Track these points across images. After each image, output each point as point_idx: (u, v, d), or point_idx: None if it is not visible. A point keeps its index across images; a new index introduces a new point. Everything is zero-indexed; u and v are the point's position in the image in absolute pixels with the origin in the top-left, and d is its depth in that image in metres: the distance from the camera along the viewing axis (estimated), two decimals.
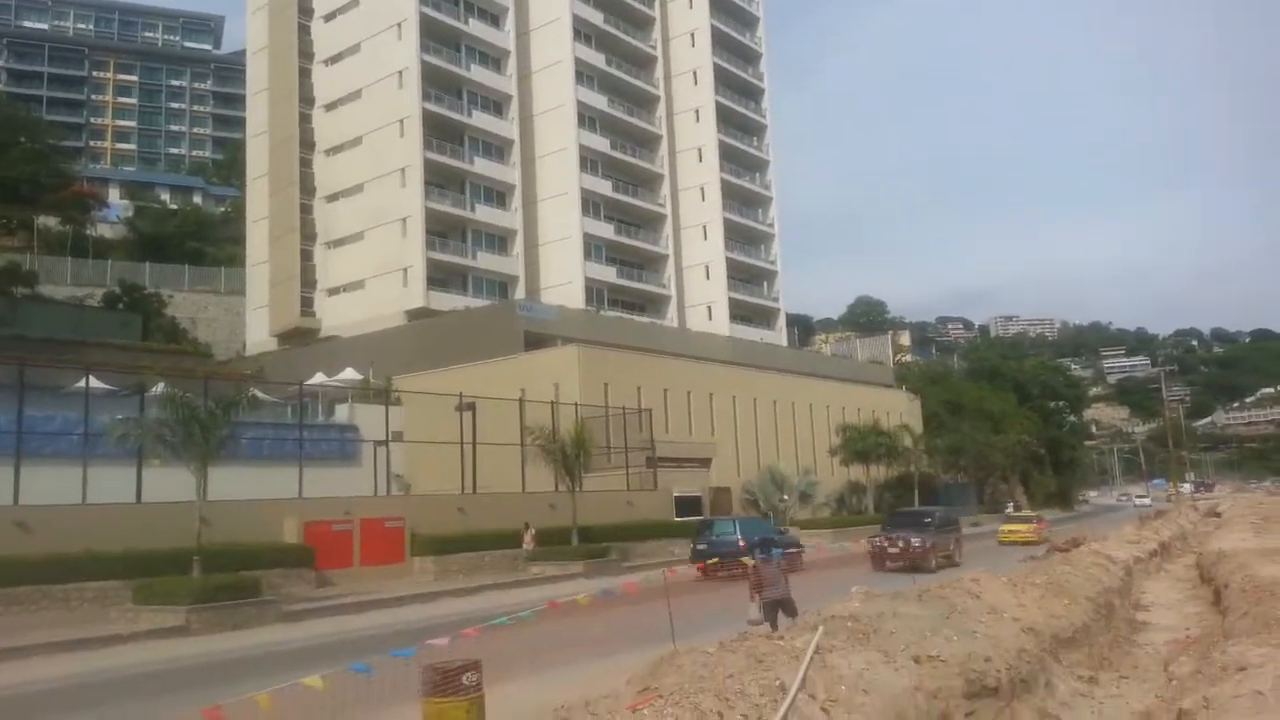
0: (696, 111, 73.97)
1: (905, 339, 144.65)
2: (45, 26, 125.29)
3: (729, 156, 74.99)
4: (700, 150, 73.52)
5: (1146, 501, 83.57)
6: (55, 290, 64.91)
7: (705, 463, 46.00)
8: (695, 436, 47.04)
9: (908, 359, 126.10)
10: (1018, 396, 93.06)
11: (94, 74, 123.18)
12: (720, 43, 75.93)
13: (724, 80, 75.79)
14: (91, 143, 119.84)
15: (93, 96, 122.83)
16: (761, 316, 76.80)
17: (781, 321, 78.82)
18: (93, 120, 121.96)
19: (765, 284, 78.05)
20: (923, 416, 69.05)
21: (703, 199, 72.91)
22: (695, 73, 74.48)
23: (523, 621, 10.92)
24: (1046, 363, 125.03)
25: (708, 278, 71.63)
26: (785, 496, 46.73)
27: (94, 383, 30.02)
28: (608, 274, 65.10)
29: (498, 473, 35.37)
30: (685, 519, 39.44)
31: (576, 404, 38.05)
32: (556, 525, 33.19)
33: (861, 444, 51.61)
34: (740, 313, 73.05)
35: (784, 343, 77.60)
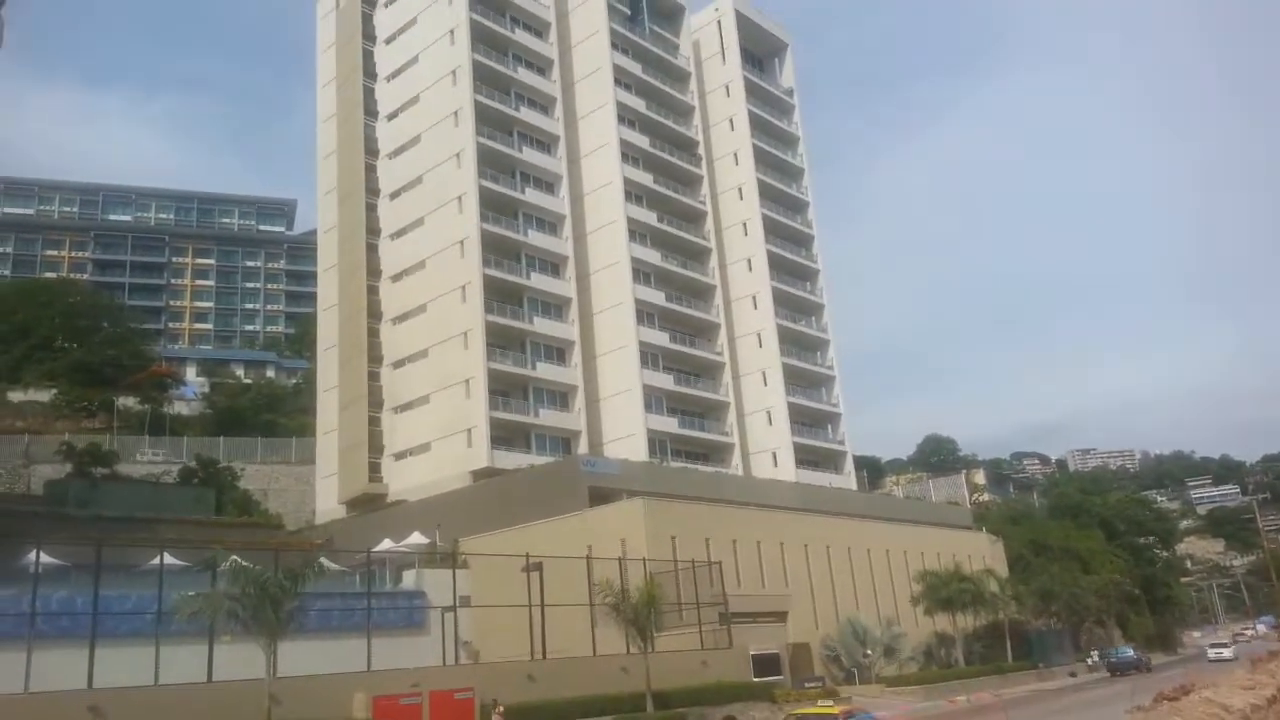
0: (748, 261, 75.41)
1: (980, 477, 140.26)
2: (129, 218, 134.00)
3: (783, 302, 75.80)
4: (754, 298, 74.48)
5: (1227, 653, 63.52)
6: (133, 468, 66.74)
7: (781, 616, 44.21)
8: (768, 589, 45.44)
9: (985, 498, 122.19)
10: (1104, 533, 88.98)
11: (173, 259, 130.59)
12: (767, 194, 78.10)
13: (773, 230, 77.51)
14: (170, 324, 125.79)
15: (172, 280, 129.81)
16: (828, 460, 75.59)
17: (849, 464, 77.41)
18: (172, 303, 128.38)
19: (829, 427, 77.19)
20: (1007, 559, 66.11)
21: (759, 345, 73.34)
22: (745, 224, 76.38)
23: None
24: (1131, 496, 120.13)
25: (770, 423, 71.14)
26: (869, 651, 44.40)
27: (168, 559, 30.25)
28: (669, 425, 65.02)
29: (567, 634, 34.38)
30: (764, 679, 37.59)
31: (644, 559, 37.26)
32: (629, 691, 31.86)
33: (944, 591, 49.31)
34: (806, 458, 72.00)
35: (853, 486, 75.98)
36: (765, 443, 70.72)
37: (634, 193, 69.47)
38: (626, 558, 37.26)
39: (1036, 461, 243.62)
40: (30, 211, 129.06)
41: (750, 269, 75.28)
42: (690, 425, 66.99)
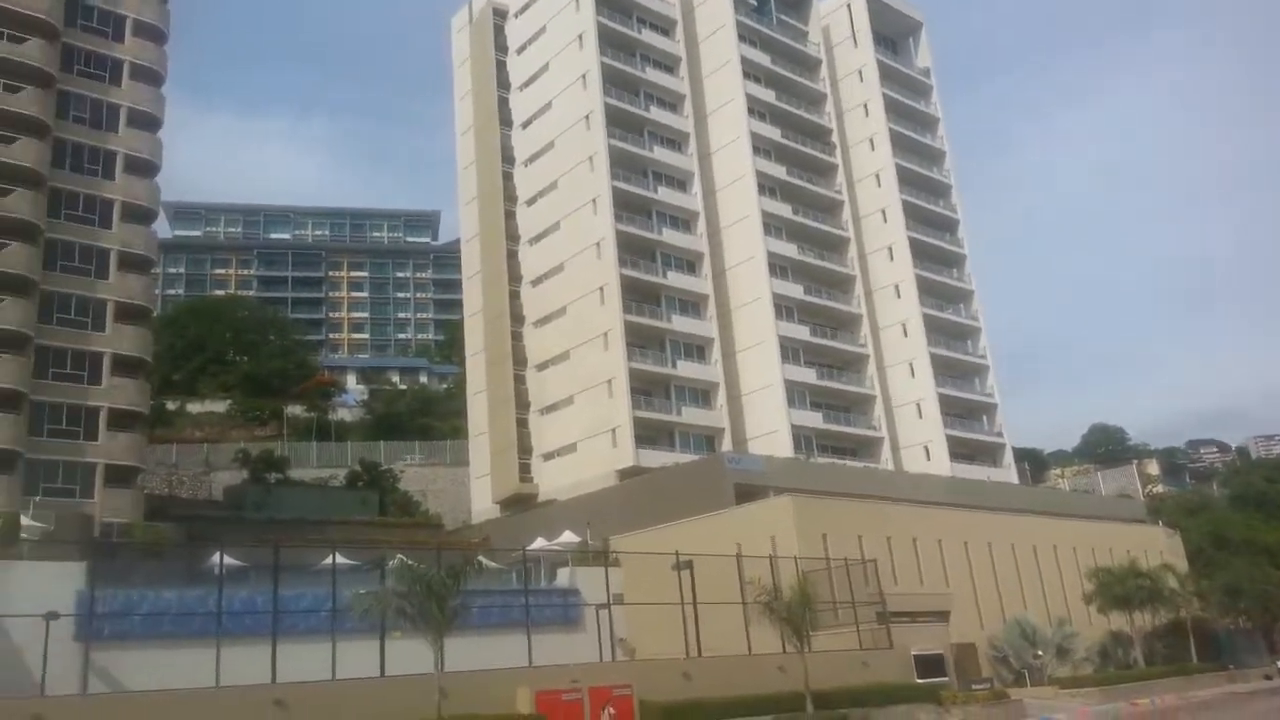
0: (889, 249, 73.32)
1: (1153, 468, 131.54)
2: (289, 236, 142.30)
3: (928, 290, 73.30)
4: (897, 287, 72.33)
5: None
6: (303, 473, 70.62)
7: (943, 616, 42.59)
8: (927, 587, 43.90)
9: (1159, 490, 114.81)
10: None
11: (330, 273, 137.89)
12: (907, 180, 75.69)
13: (915, 216, 75.09)
14: (330, 335, 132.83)
15: (330, 293, 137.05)
16: (985, 453, 72.63)
17: (1008, 457, 74.11)
18: (330, 314, 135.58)
19: (985, 418, 74.20)
20: (1186, 553, 61.84)
21: (905, 335, 71.16)
22: (884, 211, 74.26)
23: None
24: None
25: (920, 416, 68.89)
26: (1040, 652, 42.25)
27: (339, 559, 31.69)
28: (813, 420, 63.88)
29: (719, 632, 34.10)
30: (928, 680, 36.31)
31: (796, 557, 36.54)
32: (787, 691, 31.31)
33: (1119, 588, 46.43)
34: (961, 451, 69.35)
35: (1014, 480, 72.74)
36: (916, 436, 68.57)
37: (767, 185, 68.62)
38: (777, 555, 36.69)
39: (1215, 449, 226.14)
40: (199, 233, 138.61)
41: (891, 257, 73.14)
42: (835, 420, 65.64)
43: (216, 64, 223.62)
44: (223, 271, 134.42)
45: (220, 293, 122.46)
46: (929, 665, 37.33)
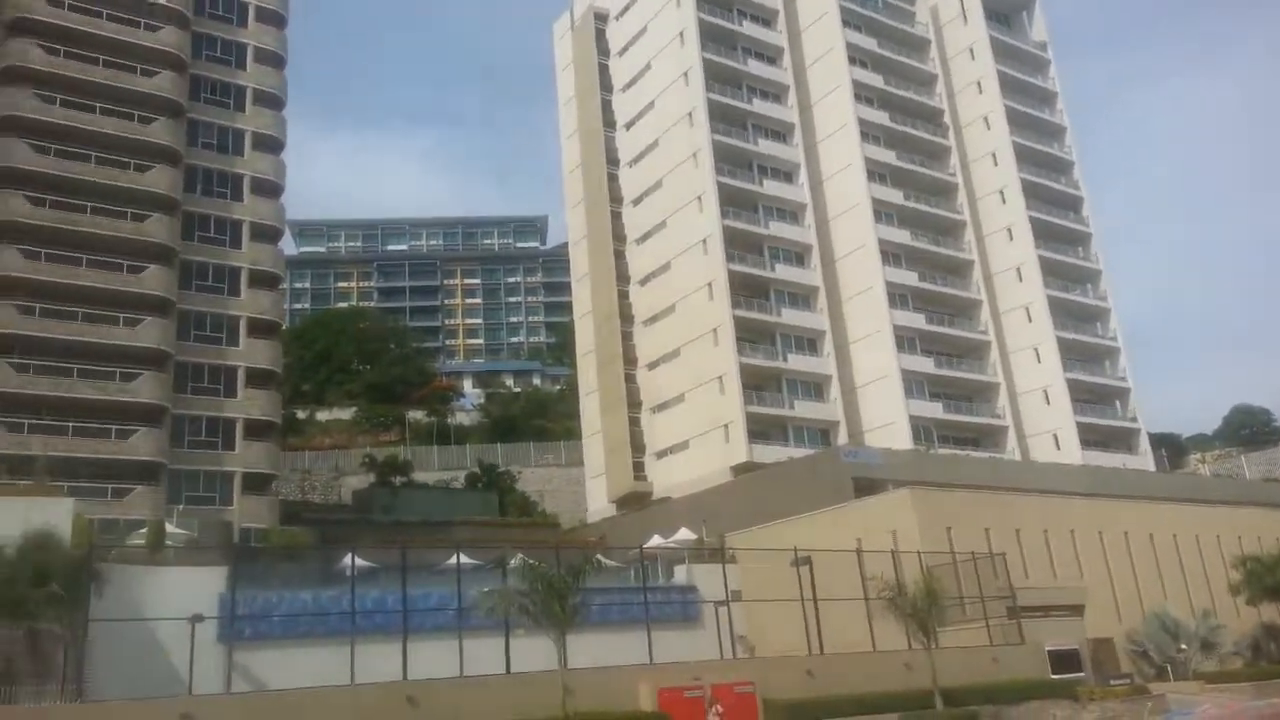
0: (1009, 230, 70.67)
1: None
2: (405, 247, 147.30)
3: (1051, 271, 70.27)
4: (1018, 269, 69.64)
5: None
6: (425, 476, 72.83)
7: (1077, 610, 40.76)
8: (1060, 580, 42.09)
9: None
10: None
11: (445, 281, 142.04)
12: (1025, 158, 72.73)
13: (1035, 195, 72.09)
14: (446, 341, 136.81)
15: (445, 301, 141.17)
16: (1118, 439, 69.23)
17: (1144, 443, 70.42)
18: (446, 321, 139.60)
19: (1117, 403, 70.74)
20: None
21: (1029, 320, 68.43)
22: (1002, 192, 71.58)
23: None
24: None
25: (1047, 403, 66.16)
26: (1184, 646, 40.02)
27: (462, 558, 32.51)
28: (933, 410, 62.13)
29: (840, 629, 33.53)
30: (1063, 676, 34.86)
31: (919, 552, 35.61)
32: (915, 688, 30.55)
33: (1271, 578, 43.49)
34: (1092, 438, 66.23)
35: (1151, 467, 69.13)
36: (1043, 424, 65.88)
37: (877, 172, 67.06)
38: (899, 550, 35.84)
39: None
40: (322, 249, 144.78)
41: (1011, 239, 70.46)
42: (956, 409, 63.70)
43: (330, 85, 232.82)
44: (345, 284, 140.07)
45: (343, 305, 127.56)
46: (1064, 661, 35.85)
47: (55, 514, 26.70)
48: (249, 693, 26.08)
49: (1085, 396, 67.93)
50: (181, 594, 28.71)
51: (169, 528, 37.35)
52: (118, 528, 41.10)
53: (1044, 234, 71.14)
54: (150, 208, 52.45)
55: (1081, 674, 35.60)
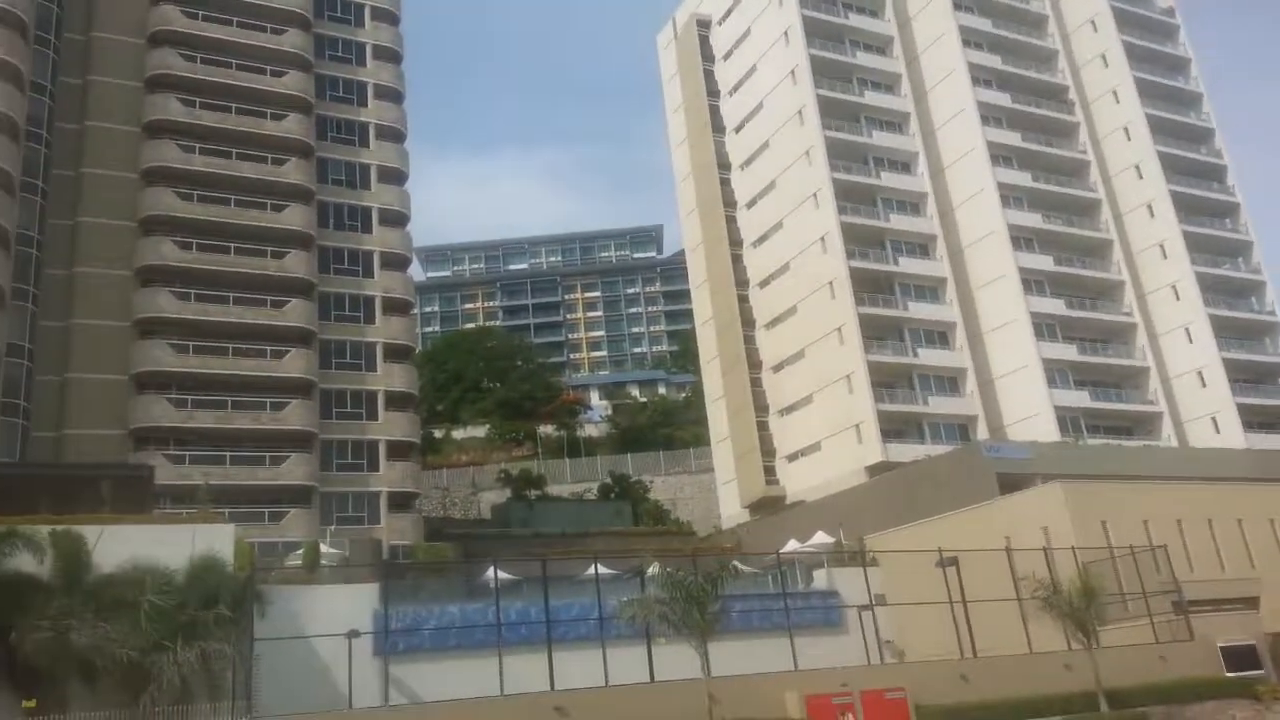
0: (1149, 206, 66.84)
1: None
2: (525, 265, 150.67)
3: (1197, 246, 66.01)
4: (1161, 246, 65.77)
5: None
6: (559, 489, 74.09)
7: (1251, 603, 38.10)
8: (1229, 573, 39.42)
9: None
10: None
11: (566, 296, 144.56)
12: (1159, 129, 68.73)
13: (1173, 167, 67.98)
14: (571, 355, 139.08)
15: (567, 315, 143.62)
16: None
17: None
18: (570, 336, 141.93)
19: None
20: None
21: (1176, 299, 64.48)
22: (1138, 167, 67.88)
23: None
24: None
25: (1203, 385, 62.10)
26: None
27: (601, 569, 32.82)
28: (1078, 399, 59.24)
29: (993, 631, 32.26)
30: (1240, 674, 32.59)
31: (1073, 548, 33.99)
32: (1077, 690, 29.12)
33: None
34: (1256, 419, 61.68)
35: None
36: (1200, 408, 61.86)
37: (1000, 155, 64.61)
38: (1052, 547, 34.29)
39: None
40: (448, 273, 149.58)
41: (1152, 215, 66.63)
42: (1104, 397, 60.57)
43: (442, 112, 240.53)
44: (470, 306, 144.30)
45: (470, 326, 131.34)
46: (1239, 658, 33.49)
47: (218, 539, 28.16)
48: (405, 705, 26.97)
49: (1245, 376, 63.51)
50: (337, 611, 29.89)
51: (323, 548, 39.03)
52: (276, 550, 43.22)
53: (1187, 207, 67.04)
54: (288, 245, 55.20)
55: (1261, 671, 33.25)
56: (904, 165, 64.99)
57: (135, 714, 18.44)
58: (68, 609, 22.25)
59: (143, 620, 18.80)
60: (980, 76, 66.14)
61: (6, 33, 47.85)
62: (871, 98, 65.55)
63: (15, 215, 47.16)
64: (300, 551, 38.38)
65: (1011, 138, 65.51)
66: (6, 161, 46.56)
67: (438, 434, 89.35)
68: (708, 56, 73.31)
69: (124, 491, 31.06)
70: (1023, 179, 64.51)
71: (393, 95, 62.90)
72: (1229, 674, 32.75)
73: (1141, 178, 67.43)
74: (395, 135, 62.28)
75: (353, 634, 27.56)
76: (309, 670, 28.24)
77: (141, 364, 50.51)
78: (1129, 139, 68.43)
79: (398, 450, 55.26)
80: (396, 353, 57.68)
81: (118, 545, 24.85)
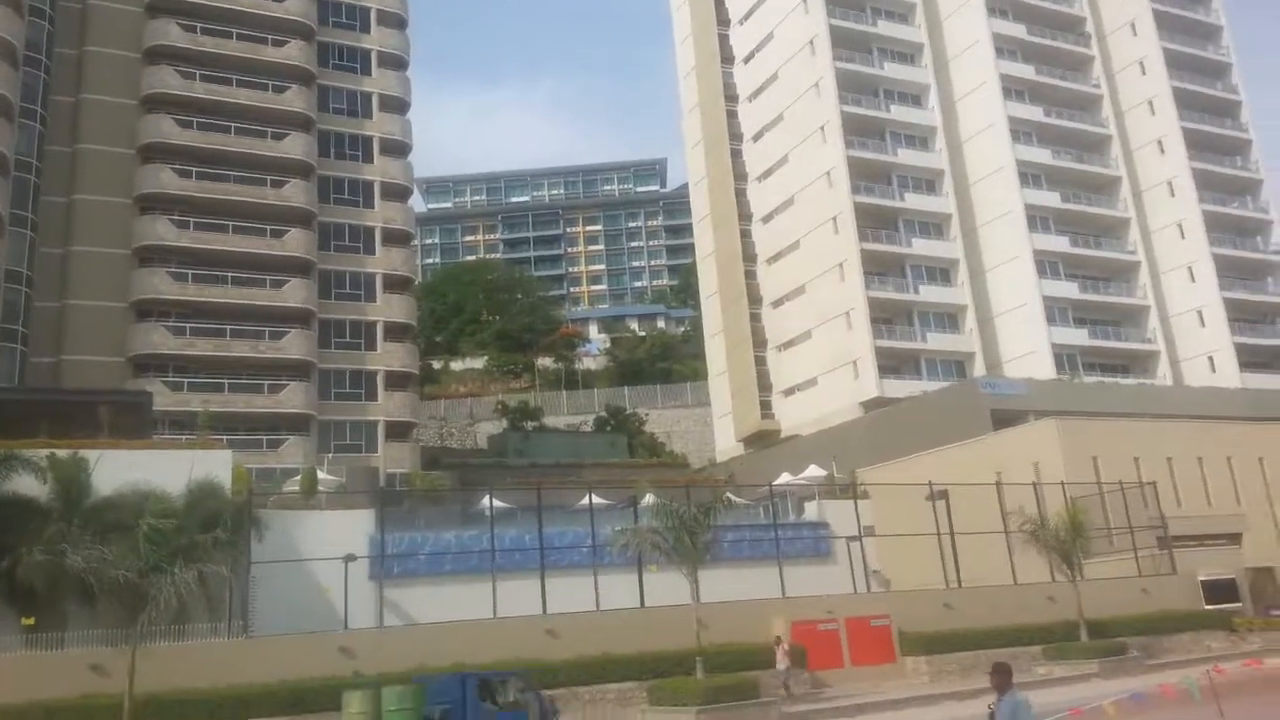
0: (1159, 143, 65.66)
1: None
2: (527, 198, 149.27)
3: (1206, 184, 65.16)
4: (1170, 184, 64.90)
5: None
6: (555, 420, 74.55)
7: (1234, 538, 38.71)
8: (1215, 509, 39.93)
9: None
10: None
11: (567, 229, 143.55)
12: (1175, 64, 67.14)
13: (1187, 103, 66.38)
14: (570, 289, 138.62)
15: (568, 249, 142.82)
16: None
17: None
18: (570, 269, 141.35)
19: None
20: None
21: (1181, 237, 63.88)
22: (1151, 102, 66.28)
23: None
24: None
25: (1202, 325, 61.96)
26: None
27: (595, 499, 33.29)
28: (1077, 337, 59.19)
29: (980, 563, 32.80)
30: (1218, 607, 33.29)
31: (1063, 483, 34.38)
32: (1058, 620, 29.78)
33: None
34: (1253, 360, 61.71)
35: None
36: (1197, 347, 61.81)
37: (1013, 89, 63.47)
38: (1042, 482, 34.68)
39: None
40: (449, 205, 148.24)
41: (1162, 151, 65.58)
42: (1103, 335, 60.48)
43: (445, 39, 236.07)
44: (471, 238, 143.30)
45: (471, 258, 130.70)
46: (1219, 591, 34.21)
47: (216, 465, 28.59)
48: (400, 626, 27.58)
49: (1244, 316, 63.29)
50: (334, 536, 30.51)
51: (320, 475, 39.52)
52: (274, 476, 43.79)
53: (1198, 144, 66.03)
54: (288, 174, 54.73)
55: (1238, 604, 34.01)
56: (915, 98, 63.86)
57: (133, 632, 18.85)
58: (65, 532, 22.60)
59: (141, 543, 19.04)
60: (996, 6, 64.64)
61: None
62: (884, 27, 64.05)
63: (14, 141, 46.81)
64: (298, 478, 38.85)
65: (1025, 70, 64.16)
66: (5, 87, 46.06)
67: (436, 365, 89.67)
68: None
69: (122, 417, 31.32)
70: (1034, 113, 63.43)
71: (396, 21, 61.79)
72: (1208, 607, 33.49)
73: (1154, 114, 66.25)
74: (398, 63, 61.31)
75: (349, 558, 28.09)
76: (306, 592, 28.90)
77: (140, 291, 50.55)
78: (1144, 73, 67.02)
79: (396, 380, 55.54)
80: (396, 284, 57.60)
81: (116, 470, 25.20)
